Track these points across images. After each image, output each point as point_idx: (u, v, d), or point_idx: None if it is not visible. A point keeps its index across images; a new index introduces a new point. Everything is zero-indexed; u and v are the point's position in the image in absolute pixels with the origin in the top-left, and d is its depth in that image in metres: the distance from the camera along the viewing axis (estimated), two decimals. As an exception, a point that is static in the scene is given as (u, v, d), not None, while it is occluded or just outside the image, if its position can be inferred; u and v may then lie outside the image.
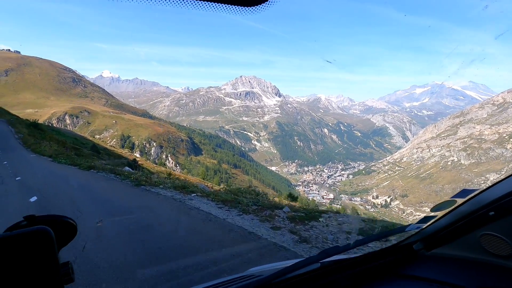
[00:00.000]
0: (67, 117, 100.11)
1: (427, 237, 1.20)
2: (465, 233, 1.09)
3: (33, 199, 6.68)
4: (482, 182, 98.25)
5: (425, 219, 1.23)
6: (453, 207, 1.12)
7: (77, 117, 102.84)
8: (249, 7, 0.57)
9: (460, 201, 1.09)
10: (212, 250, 3.81)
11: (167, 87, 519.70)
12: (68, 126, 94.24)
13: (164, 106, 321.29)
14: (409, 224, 1.24)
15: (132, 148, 77.50)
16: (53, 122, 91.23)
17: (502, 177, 1.01)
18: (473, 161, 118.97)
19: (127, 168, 16.15)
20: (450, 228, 1.12)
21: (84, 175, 11.53)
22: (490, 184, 1.02)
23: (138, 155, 54.60)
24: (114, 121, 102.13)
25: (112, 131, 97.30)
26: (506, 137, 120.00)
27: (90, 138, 38.52)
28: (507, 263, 1.00)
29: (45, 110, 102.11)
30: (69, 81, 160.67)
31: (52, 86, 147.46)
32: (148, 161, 34.55)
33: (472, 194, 1.06)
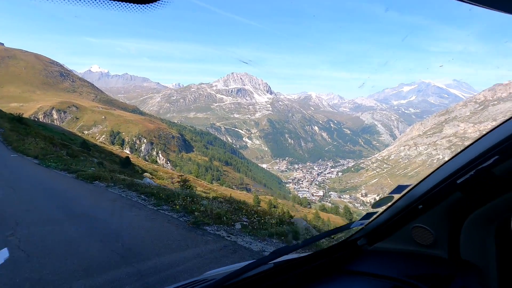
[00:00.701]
0: (54, 112, 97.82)
1: (369, 232, 1.26)
2: (400, 227, 1.17)
3: (2, 256, 3.37)
4: None
5: (368, 215, 1.29)
6: (391, 202, 1.19)
7: (64, 112, 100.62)
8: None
9: (397, 196, 1.16)
10: None
11: (158, 83, 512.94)
12: (55, 121, 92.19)
13: (155, 102, 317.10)
14: (354, 221, 1.30)
15: (122, 144, 76.74)
16: (40, 117, 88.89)
17: (430, 171, 1.08)
18: None
19: (147, 180, 12.58)
20: (389, 223, 1.19)
21: (90, 193, 7.81)
22: (421, 180, 1.08)
23: (128, 152, 54.28)
24: (103, 117, 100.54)
25: (101, 127, 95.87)
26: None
27: (79, 134, 38.13)
28: (431, 251, 1.11)
29: (31, 105, 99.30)
30: (57, 75, 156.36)
31: (38, 80, 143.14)
32: (139, 158, 34.52)
33: (407, 190, 1.13)
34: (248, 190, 68.60)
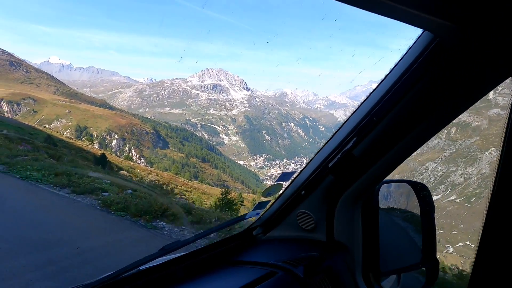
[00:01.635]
0: (3, 103, 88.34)
1: (264, 222, 1.27)
2: (287, 214, 1.20)
3: None
4: (423, 170, 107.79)
5: (260, 204, 1.29)
6: (281, 190, 1.20)
7: (18, 104, 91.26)
8: None
9: (286, 184, 1.17)
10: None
11: (128, 77, 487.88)
12: (6, 114, 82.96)
13: (125, 97, 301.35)
14: (249, 212, 1.30)
15: (91, 140, 71.04)
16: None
17: (310, 159, 1.10)
18: (418, 152, 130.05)
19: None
20: (279, 211, 1.21)
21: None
22: (303, 167, 1.11)
23: (97, 147, 49.67)
24: (67, 111, 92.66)
25: (65, 121, 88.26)
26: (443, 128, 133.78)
27: (40, 128, 33.70)
28: (313, 235, 1.15)
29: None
30: (5, 64, 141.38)
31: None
32: (112, 154, 31.14)
33: (293, 177, 1.15)
34: (227, 187, 66.52)
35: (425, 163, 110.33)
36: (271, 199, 1.25)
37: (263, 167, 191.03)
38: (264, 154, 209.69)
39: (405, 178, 1.13)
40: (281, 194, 1.20)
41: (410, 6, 0.44)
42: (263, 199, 1.29)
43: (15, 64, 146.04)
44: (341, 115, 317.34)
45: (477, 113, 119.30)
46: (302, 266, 0.94)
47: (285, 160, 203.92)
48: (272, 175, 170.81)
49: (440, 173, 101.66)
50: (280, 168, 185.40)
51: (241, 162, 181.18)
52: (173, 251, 0.95)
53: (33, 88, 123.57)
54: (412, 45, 0.68)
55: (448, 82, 0.64)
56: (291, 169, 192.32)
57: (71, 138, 35.23)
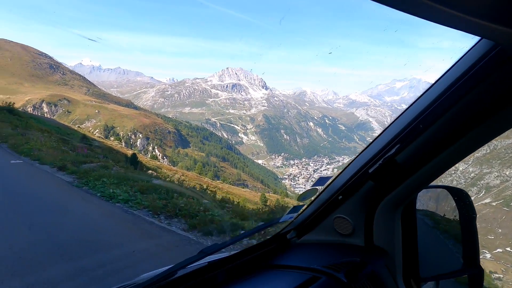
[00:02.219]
0: (44, 105, 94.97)
1: (298, 225, 1.28)
2: (323, 218, 1.20)
3: None
4: (453, 171, 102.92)
5: (294, 209, 1.31)
6: (316, 195, 1.21)
7: (55, 105, 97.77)
8: None
9: (321, 189, 1.18)
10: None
11: (151, 77, 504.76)
12: (45, 114, 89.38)
13: (149, 97, 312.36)
14: (282, 215, 1.32)
15: (119, 139, 75.12)
16: (28, 109, 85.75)
17: (348, 163, 1.11)
18: None
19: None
20: (314, 215, 1.21)
21: None
22: (340, 172, 1.12)
23: (124, 146, 52.70)
24: (96, 111, 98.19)
25: (94, 121, 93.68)
26: None
27: (75, 128, 36.58)
28: (350, 240, 1.15)
29: (19, 97, 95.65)
30: (46, 67, 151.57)
31: (26, 72, 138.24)
32: (139, 153, 33.33)
33: (329, 181, 1.16)
34: (246, 186, 67.89)
35: (457, 167, 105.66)
36: (306, 203, 1.27)
37: (282, 166, 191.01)
38: (282, 153, 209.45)
39: (441, 184, 1.12)
40: (316, 198, 1.21)
41: (470, 14, 0.40)
42: (298, 203, 1.31)
43: (54, 67, 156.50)
44: (362, 114, 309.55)
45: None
46: (345, 271, 0.93)
47: (303, 159, 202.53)
48: (291, 174, 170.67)
49: (472, 174, 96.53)
50: (298, 167, 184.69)
51: (260, 162, 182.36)
52: (211, 254, 0.97)
53: (67, 90, 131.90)
54: (468, 51, 0.66)
55: (509, 90, 0.62)
56: (310, 169, 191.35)
57: (102, 138, 37.92)
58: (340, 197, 1.10)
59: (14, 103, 25.22)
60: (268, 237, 1.28)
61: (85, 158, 10.55)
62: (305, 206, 1.26)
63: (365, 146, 1.02)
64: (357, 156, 1.06)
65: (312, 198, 1.23)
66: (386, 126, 0.93)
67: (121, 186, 6.83)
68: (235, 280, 0.99)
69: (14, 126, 16.17)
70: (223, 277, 0.98)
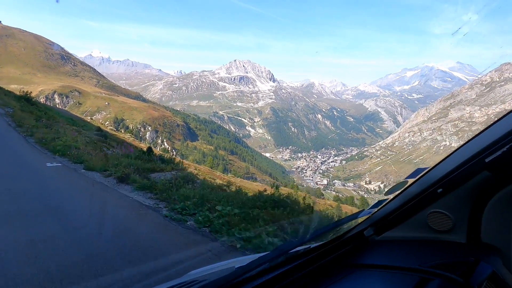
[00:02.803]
0: (56, 96, 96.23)
1: (377, 221, 1.20)
2: (414, 213, 1.11)
3: None
4: None
5: (378, 203, 1.23)
6: (403, 188, 1.13)
7: (67, 96, 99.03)
8: None
9: (411, 181, 1.10)
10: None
11: (160, 70, 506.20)
12: (57, 105, 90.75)
13: (157, 89, 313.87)
14: (362, 210, 1.25)
15: (132, 132, 76.05)
16: (41, 100, 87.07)
17: (448, 154, 1.02)
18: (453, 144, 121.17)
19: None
20: (400, 210, 1.13)
21: None
22: (439, 162, 1.03)
23: (135, 140, 53.35)
24: (106, 103, 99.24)
25: (104, 113, 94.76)
26: (494, 118, 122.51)
27: (88, 120, 37.06)
28: (447, 236, 1.06)
29: (32, 87, 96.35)
30: (57, 58, 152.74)
31: (38, 62, 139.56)
32: (155, 148, 33.69)
33: (422, 173, 1.08)
34: (255, 180, 68.10)
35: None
36: (389, 198, 1.19)
37: (289, 160, 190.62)
38: (290, 146, 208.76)
39: None
40: (403, 191, 1.12)
41: None
42: (384, 197, 1.23)
43: (65, 57, 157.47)
44: (371, 105, 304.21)
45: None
46: (460, 271, 0.85)
47: (311, 152, 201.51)
48: (299, 167, 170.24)
49: None
50: (306, 160, 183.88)
51: (267, 155, 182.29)
52: (287, 252, 0.94)
53: (78, 81, 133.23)
54: None
55: None
56: (318, 161, 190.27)
57: (114, 130, 38.38)
58: (440, 190, 1.01)
59: (30, 91, 24.18)
60: (342, 233, 1.20)
61: (146, 163, 7.45)
62: (388, 200, 1.19)
63: (471, 135, 0.90)
64: (465, 143, 0.95)
65: (398, 192, 1.14)
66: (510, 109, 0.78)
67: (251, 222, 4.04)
68: (318, 280, 0.93)
69: (37, 116, 14.76)
70: (303, 275, 0.93)
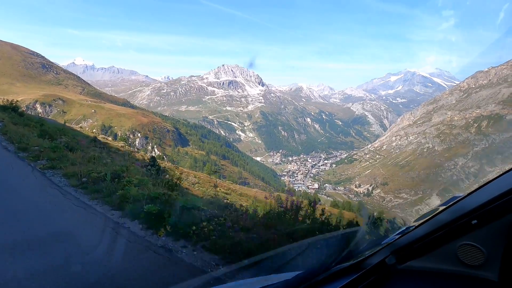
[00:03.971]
0: (38, 105, 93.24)
1: (400, 248, 1.13)
2: (443, 244, 1.04)
3: None
4: (452, 166, 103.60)
5: (406, 229, 1.16)
6: (433, 214, 1.07)
7: (50, 105, 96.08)
8: None
9: (441, 209, 1.04)
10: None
11: (146, 76, 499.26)
12: (40, 115, 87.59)
13: (144, 95, 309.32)
14: (386, 235, 1.20)
15: (115, 138, 74.18)
16: (22, 110, 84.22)
17: (486, 181, 0.94)
18: (445, 146, 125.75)
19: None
20: (428, 239, 1.05)
21: None
22: (473, 189, 0.96)
23: (130, 149, 52.00)
24: (93, 110, 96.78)
25: (91, 120, 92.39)
26: (471, 121, 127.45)
27: (79, 129, 35.82)
28: (478, 272, 0.98)
29: (10, 97, 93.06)
30: (38, 67, 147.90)
31: (17, 72, 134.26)
32: (145, 154, 32.83)
33: (454, 201, 1.01)
34: (248, 185, 67.68)
35: (453, 159, 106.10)
36: (414, 225, 1.12)
37: (280, 163, 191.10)
38: (280, 150, 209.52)
39: None
40: (433, 218, 1.04)
41: None
42: (412, 224, 1.16)
43: (47, 66, 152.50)
44: (359, 109, 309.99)
45: (511, 105, 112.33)
46: None
47: (302, 156, 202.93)
48: (290, 170, 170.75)
49: (472, 169, 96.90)
50: (297, 164, 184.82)
51: (258, 159, 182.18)
52: (308, 280, 0.87)
53: (62, 89, 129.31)
54: None
55: None
56: (308, 165, 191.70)
57: (106, 139, 37.19)
58: (475, 221, 0.92)
59: (16, 100, 20.99)
60: (361, 259, 1.13)
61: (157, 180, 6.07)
62: (414, 227, 1.12)
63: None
64: (504, 173, 0.87)
65: (427, 218, 1.07)
66: None
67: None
68: None
69: (41, 132, 10.54)
70: None
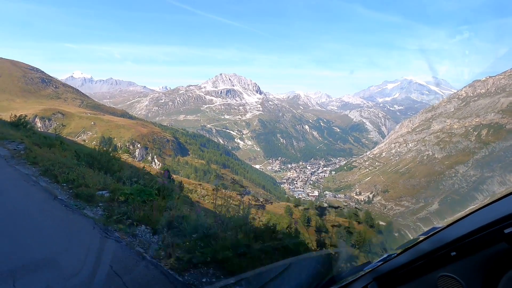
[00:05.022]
0: (37, 120, 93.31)
1: (382, 275, 1.14)
2: (423, 273, 1.04)
3: None
4: (453, 174, 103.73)
5: (388, 257, 1.17)
6: (413, 244, 1.07)
7: (49, 119, 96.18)
8: None
9: (422, 238, 1.05)
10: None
11: (144, 86, 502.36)
12: (39, 129, 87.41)
13: (143, 106, 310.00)
14: (368, 262, 1.20)
15: (115, 150, 73.88)
16: (32, 126, 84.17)
17: (464, 214, 0.95)
18: (445, 154, 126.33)
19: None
20: (409, 267, 1.05)
21: None
22: (453, 220, 0.97)
23: (134, 159, 51.76)
24: (92, 123, 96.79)
25: (90, 133, 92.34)
26: (471, 130, 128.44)
27: (81, 143, 35.66)
28: None
29: (10, 113, 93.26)
30: (38, 82, 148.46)
31: (17, 88, 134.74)
32: (150, 165, 32.66)
33: (436, 231, 1.02)
34: (249, 194, 67.31)
35: (454, 166, 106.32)
36: (396, 252, 1.12)
37: (279, 171, 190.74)
38: (279, 158, 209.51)
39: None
40: (414, 246, 1.06)
41: None
42: (394, 251, 1.17)
43: (46, 81, 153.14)
44: (356, 116, 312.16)
45: (511, 114, 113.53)
46: None
47: (300, 163, 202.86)
48: (289, 178, 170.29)
49: (473, 178, 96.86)
50: (296, 171, 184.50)
51: (257, 166, 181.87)
52: None
53: (61, 103, 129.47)
54: None
55: None
56: (307, 172, 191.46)
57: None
58: (454, 253, 0.94)
59: (26, 115, 20.46)
60: (344, 284, 1.12)
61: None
62: (396, 254, 1.12)
63: (497, 196, 0.81)
64: (482, 207, 0.89)
65: (408, 246, 1.08)
66: None
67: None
68: None
69: (74, 154, 8.29)
70: None
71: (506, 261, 0.86)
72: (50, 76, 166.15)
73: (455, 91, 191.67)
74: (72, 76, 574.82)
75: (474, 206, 0.91)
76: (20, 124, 15.89)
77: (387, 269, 1.11)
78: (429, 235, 1.02)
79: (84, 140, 39.40)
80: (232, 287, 2.86)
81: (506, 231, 0.81)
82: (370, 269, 1.17)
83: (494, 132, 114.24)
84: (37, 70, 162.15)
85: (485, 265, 0.90)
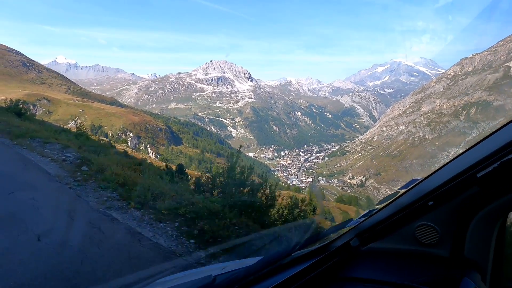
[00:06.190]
0: (21, 105, 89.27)
1: (363, 231, 1.17)
2: (402, 225, 1.09)
3: None
4: (445, 156, 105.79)
5: (368, 213, 1.21)
6: (393, 198, 1.12)
7: (34, 105, 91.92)
8: None
9: (402, 192, 1.09)
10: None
11: (133, 73, 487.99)
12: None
13: (132, 93, 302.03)
14: (350, 219, 1.22)
15: (125, 142, 71.94)
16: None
17: (440, 164, 1.00)
18: (436, 135, 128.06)
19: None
20: (389, 221, 1.10)
21: None
22: (430, 172, 1.01)
23: (133, 151, 50.16)
24: (81, 110, 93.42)
25: (80, 121, 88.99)
26: (460, 109, 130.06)
27: (71, 129, 34.00)
28: (432, 250, 1.04)
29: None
30: (19, 65, 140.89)
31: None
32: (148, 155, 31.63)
33: (413, 184, 1.06)
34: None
35: (446, 149, 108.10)
36: (377, 208, 1.17)
37: (273, 158, 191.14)
38: (273, 145, 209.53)
39: None
40: (393, 202, 1.10)
41: None
42: (376, 207, 1.21)
43: (28, 64, 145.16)
44: (348, 101, 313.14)
45: (498, 91, 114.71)
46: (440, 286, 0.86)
47: (294, 150, 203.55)
48: (283, 165, 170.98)
49: None
50: (289, 158, 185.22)
51: (251, 154, 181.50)
52: (272, 263, 0.90)
53: (46, 88, 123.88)
54: None
55: None
56: (301, 158, 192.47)
57: (103, 139, 35.53)
58: (431, 202, 0.99)
59: (25, 100, 16.44)
60: (326, 243, 1.16)
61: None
62: (377, 210, 1.17)
63: (466, 147, 0.88)
64: (458, 156, 0.94)
65: (388, 202, 1.13)
66: (504, 123, 0.82)
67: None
68: None
69: (97, 147, 7.33)
70: (287, 286, 0.88)
71: (477, 203, 0.93)
72: (32, 60, 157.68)
73: (443, 71, 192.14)
74: (55, 61, 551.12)
75: (452, 156, 0.91)
76: (23, 114, 14.27)
77: (369, 225, 1.15)
78: (408, 188, 1.06)
79: (77, 126, 37.18)
80: (222, 254, 3.01)
81: (479, 175, 0.85)
82: (353, 226, 1.20)
83: (482, 110, 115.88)
84: (17, 52, 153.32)
85: (459, 210, 0.96)
